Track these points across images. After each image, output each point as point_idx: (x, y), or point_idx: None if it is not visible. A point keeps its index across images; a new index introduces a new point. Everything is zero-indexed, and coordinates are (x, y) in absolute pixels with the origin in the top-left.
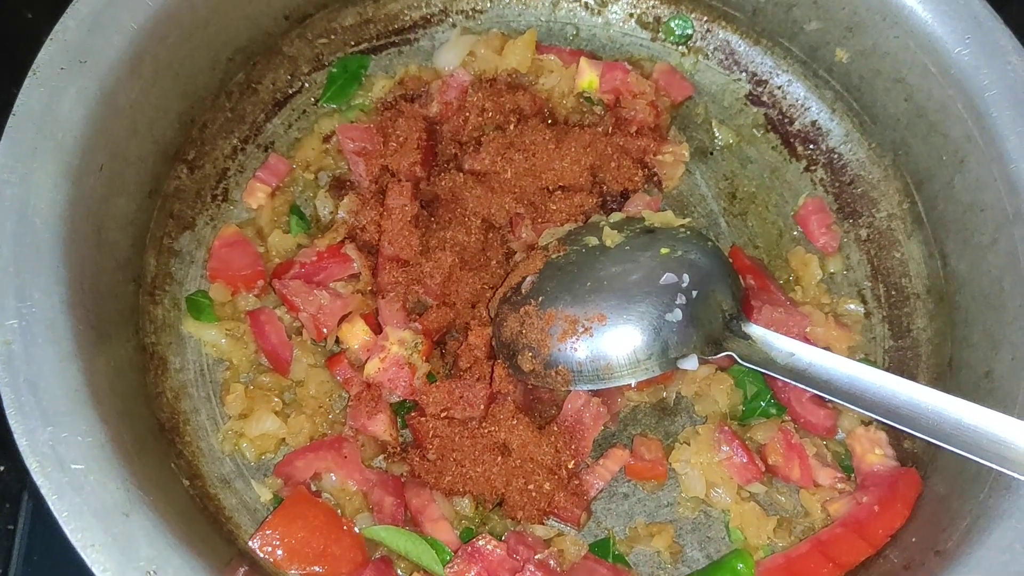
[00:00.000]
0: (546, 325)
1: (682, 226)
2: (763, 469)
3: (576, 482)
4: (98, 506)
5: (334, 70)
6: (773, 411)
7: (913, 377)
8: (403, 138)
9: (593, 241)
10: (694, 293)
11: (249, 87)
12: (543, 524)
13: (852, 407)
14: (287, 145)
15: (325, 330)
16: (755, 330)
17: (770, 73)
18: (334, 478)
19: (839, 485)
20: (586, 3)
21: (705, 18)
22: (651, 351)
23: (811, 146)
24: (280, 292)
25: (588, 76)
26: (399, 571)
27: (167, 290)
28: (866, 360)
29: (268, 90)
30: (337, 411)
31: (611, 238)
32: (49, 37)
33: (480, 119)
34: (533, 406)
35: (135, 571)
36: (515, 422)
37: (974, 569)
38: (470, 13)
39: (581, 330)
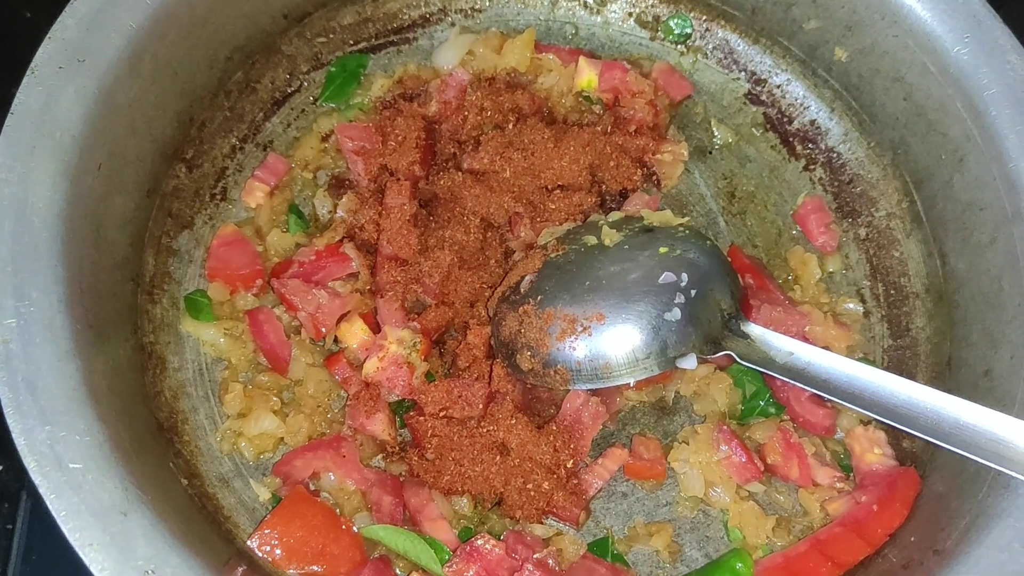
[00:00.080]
0: (545, 324)
1: (681, 225)
2: (762, 468)
3: (575, 481)
4: (96, 505)
5: (333, 69)
6: (772, 410)
7: (912, 376)
8: (402, 137)
9: (592, 240)
10: (693, 292)
11: (248, 86)
12: (542, 523)
13: (851, 406)
14: (286, 144)
15: (324, 329)
16: (754, 329)
17: (769, 72)
18: (333, 477)
19: (838, 484)
20: (585, 2)
21: (704, 17)
22: (650, 350)
23: (810, 145)
24: (279, 291)
25: (587, 75)
26: (398, 570)
27: (165, 289)
28: (865, 359)
29: (267, 89)
30: (336, 410)
31: (610, 237)
32: (47, 36)
33: (479, 118)
34: (532, 405)
35: (133, 570)
36: (514, 421)
37: (973, 568)
38: (469, 12)
39: (580, 329)
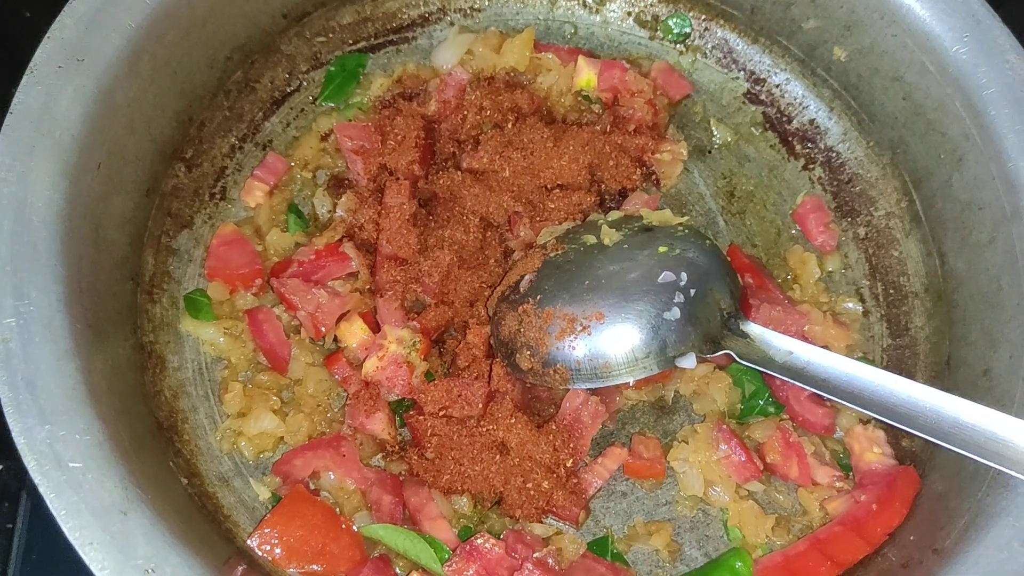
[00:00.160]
0: (544, 324)
1: (680, 224)
2: (761, 467)
3: (574, 480)
4: (96, 504)
5: (332, 68)
6: (771, 409)
7: (911, 375)
8: (401, 136)
9: (591, 240)
10: (692, 291)
11: (247, 85)
12: (541, 522)
13: (850, 405)
14: (285, 143)
15: (323, 329)
16: (753, 328)
17: (768, 71)
18: (332, 477)
19: (837, 483)
20: (584, 1)
21: (703, 16)
22: (649, 349)
23: (809, 144)
24: (278, 291)
25: (586, 74)
26: (397, 570)
27: (165, 289)
28: (864, 359)
29: (266, 88)
30: (335, 410)
31: (609, 237)
32: (47, 35)
33: (478, 117)
34: (531, 405)
35: (133, 569)
36: (513, 421)
37: (972, 567)
38: (468, 11)
39: (579, 328)
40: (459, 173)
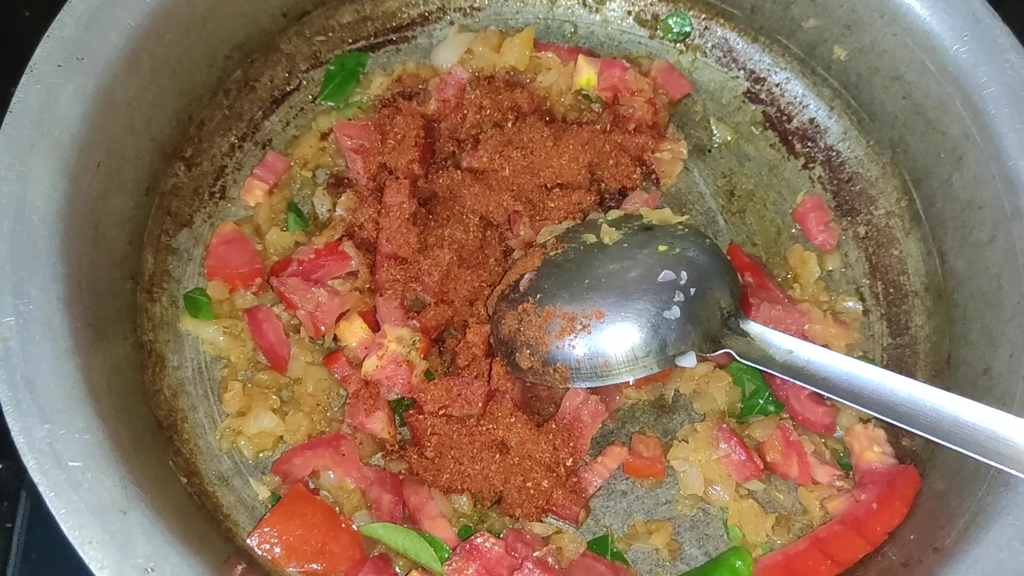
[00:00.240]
0: (544, 323)
1: (680, 224)
2: (761, 467)
3: (574, 480)
4: (96, 503)
5: (332, 67)
6: (771, 408)
7: (911, 374)
8: (401, 136)
9: (591, 239)
10: (692, 291)
11: (247, 84)
12: (541, 521)
13: (850, 404)
14: (285, 143)
15: (323, 328)
16: (753, 327)
17: (768, 70)
18: (332, 476)
19: (837, 483)
20: (584, 0)
21: (703, 16)
22: (649, 348)
23: (809, 144)
24: (278, 290)
25: (586, 74)
26: (397, 569)
27: (165, 288)
28: (864, 358)
29: (266, 87)
30: (335, 409)
31: (609, 236)
32: (46, 34)
33: (478, 117)
34: (531, 404)
35: (133, 568)
36: (513, 420)
37: (972, 566)
38: (468, 10)
39: (579, 327)
40: (459, 172)
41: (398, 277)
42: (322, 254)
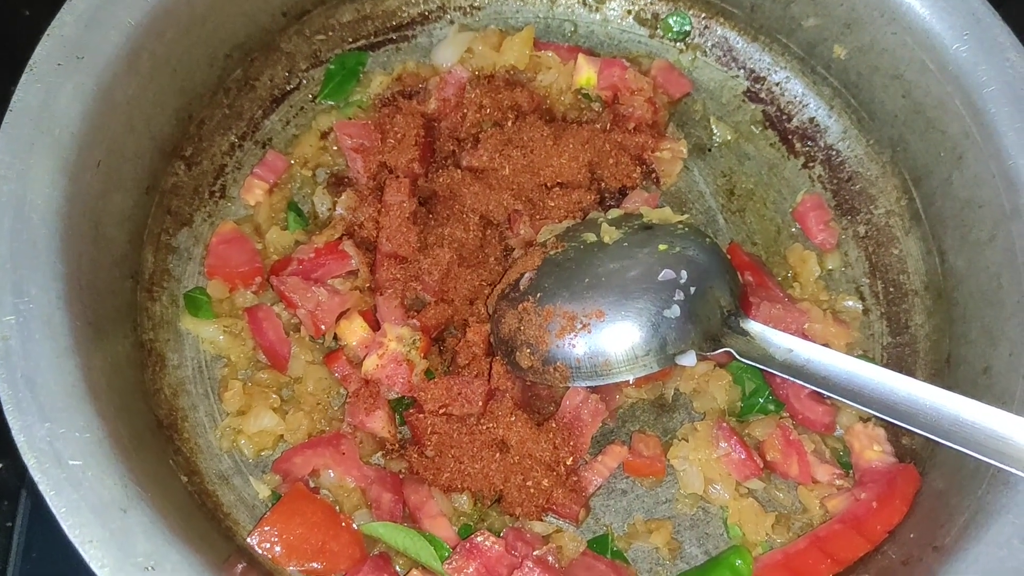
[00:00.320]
0: (544, 321)
1: (680, 223)
2: (761, 465)
3: (574, 478)
4: (96, 502)
5: (332, 67)
6: (771, 407)
7: (911, 373)
8: (401, 135)
9: (591, 238)
10: (692, 289)
11: (247, 83)
12: (541, 520)
13: (850, 403)
14: (285, 142)
15: (323, 327)
16: (753, 326)
17: (768, 70)
18: (332, 475)
19: (837, 481)
20: (584, 0)
21: (703, 15)
22: (649, 347)
23: (809, 143)
24: (278, 289)
25: (586, 73)
26: (397, 567)
27: (165, 287)
28: (864, 356)
29: (266, 86)
30: (335, 408)
31: (609, 235)
32: (46, 33)
33: (478, 116)
34: (531, 402)
35: (133, 567)
36: (513, 419)
37: (972, 564)
38: (468, 10)
39: (579, 326)
40: (459, 171)
41: (398, 276)
42: (322, 253)
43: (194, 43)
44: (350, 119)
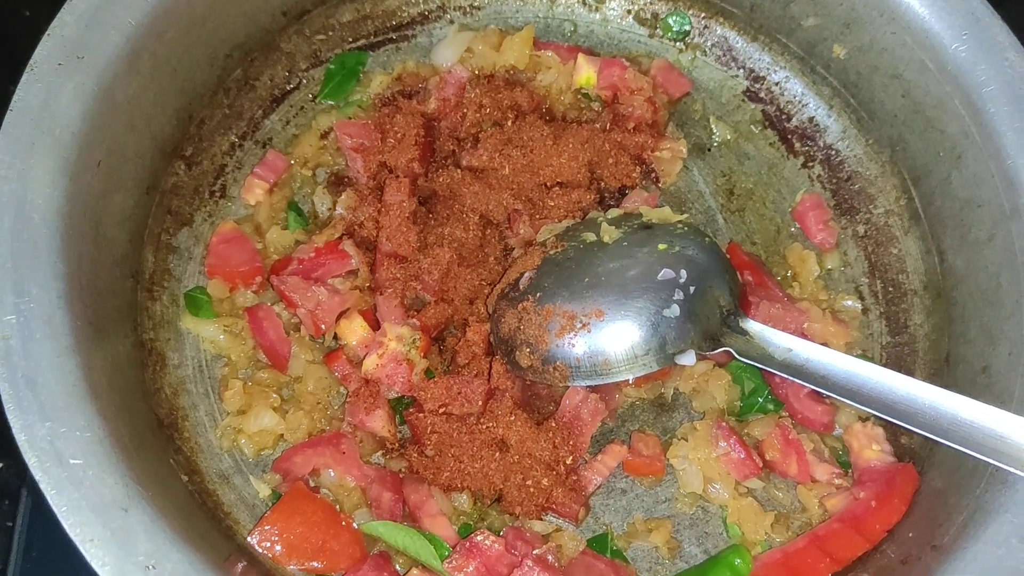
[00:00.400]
0: (544, 321)
1: (680, 222)
2: (761, 465)
3: (574, 478)
4: (97, 501)
5: (332, 66)
6: (771, 407)
7: (910, 373)
8: (401, 134)
9: (591, 237)
10: (691, 289)
11: (247, 83)
12: (541, 519)
13: (850, 403)
14: (285, 141)
15: (323, 326)
16: (753, 326)
17: (768, 69)
18: (332, 474)
19: (836, 481)
20: (583, 0)
21: (703, 14)
22: (649, 347)
23: (809, 142)
24: (278, 288)
25: (586, 72)
26: (397, 567)
27: (165, 286)
28: (863, 356)
29: (266, 86)
30: (335, 407)
31: (609, 234)
32: (46, 33)
33: (478, 115)
34: (531, 402)
35: (134, 566)
36: (513, 418)
37: (971, 564)
38: (468, 9)
39: (579, 326)
40: (459, 171)
41: (398, 276)
42: (322, 253)
43: (194, 43)
44: (350, 119)
